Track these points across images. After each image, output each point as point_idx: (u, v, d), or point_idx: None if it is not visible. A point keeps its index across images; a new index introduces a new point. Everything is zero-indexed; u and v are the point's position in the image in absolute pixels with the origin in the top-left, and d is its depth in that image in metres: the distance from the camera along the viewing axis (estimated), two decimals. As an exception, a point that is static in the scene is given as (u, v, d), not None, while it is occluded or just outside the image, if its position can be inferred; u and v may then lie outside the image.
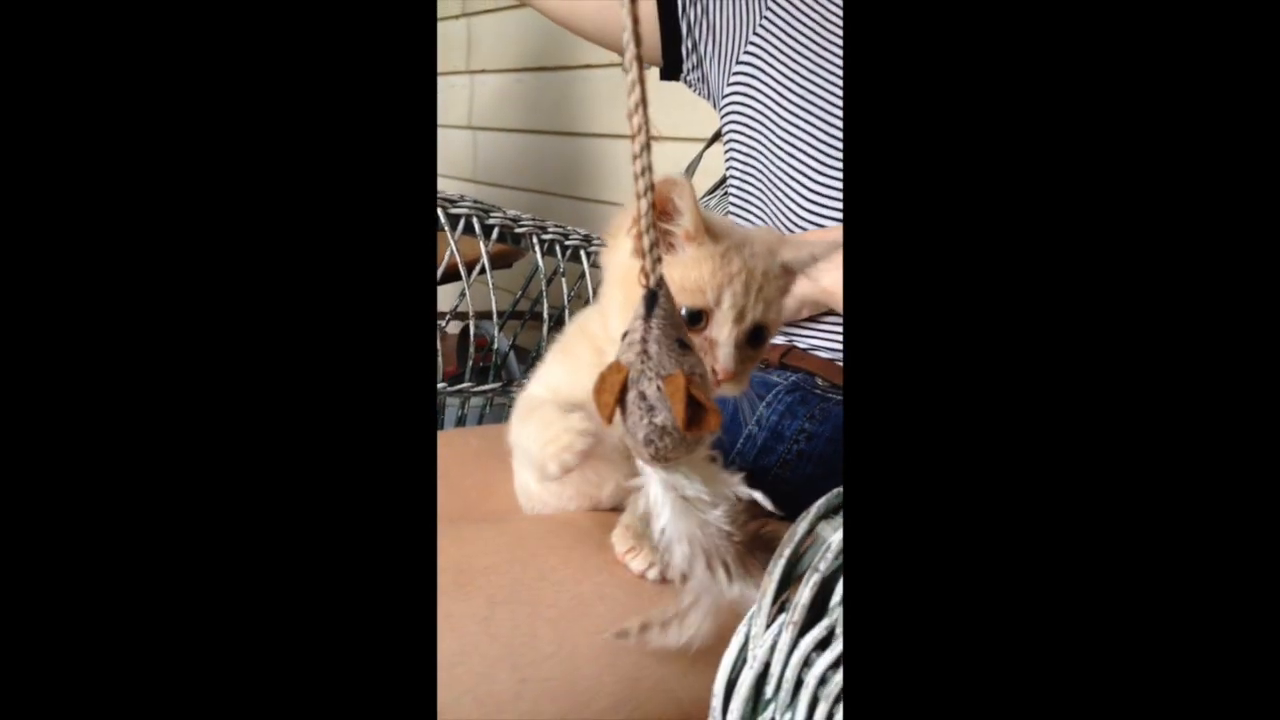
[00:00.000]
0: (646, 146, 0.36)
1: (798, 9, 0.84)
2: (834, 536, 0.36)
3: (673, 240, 0.50)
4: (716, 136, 1.12)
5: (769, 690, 0.35)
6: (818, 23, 0.83)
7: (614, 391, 0.37)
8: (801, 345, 0.79)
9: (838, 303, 0.74)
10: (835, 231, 0.77)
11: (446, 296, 1.13)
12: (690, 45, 0.92)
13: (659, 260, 0.37)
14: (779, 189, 0.82)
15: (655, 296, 0.37)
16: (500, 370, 1.09)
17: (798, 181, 0.80)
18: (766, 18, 0.86)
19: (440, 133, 2.27)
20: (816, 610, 0.35)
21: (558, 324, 1.05)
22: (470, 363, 1.02)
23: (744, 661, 0.36)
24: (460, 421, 1.03)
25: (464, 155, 2.39)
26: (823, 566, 0.35)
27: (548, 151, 2.01)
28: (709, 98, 0.95)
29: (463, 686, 0.45)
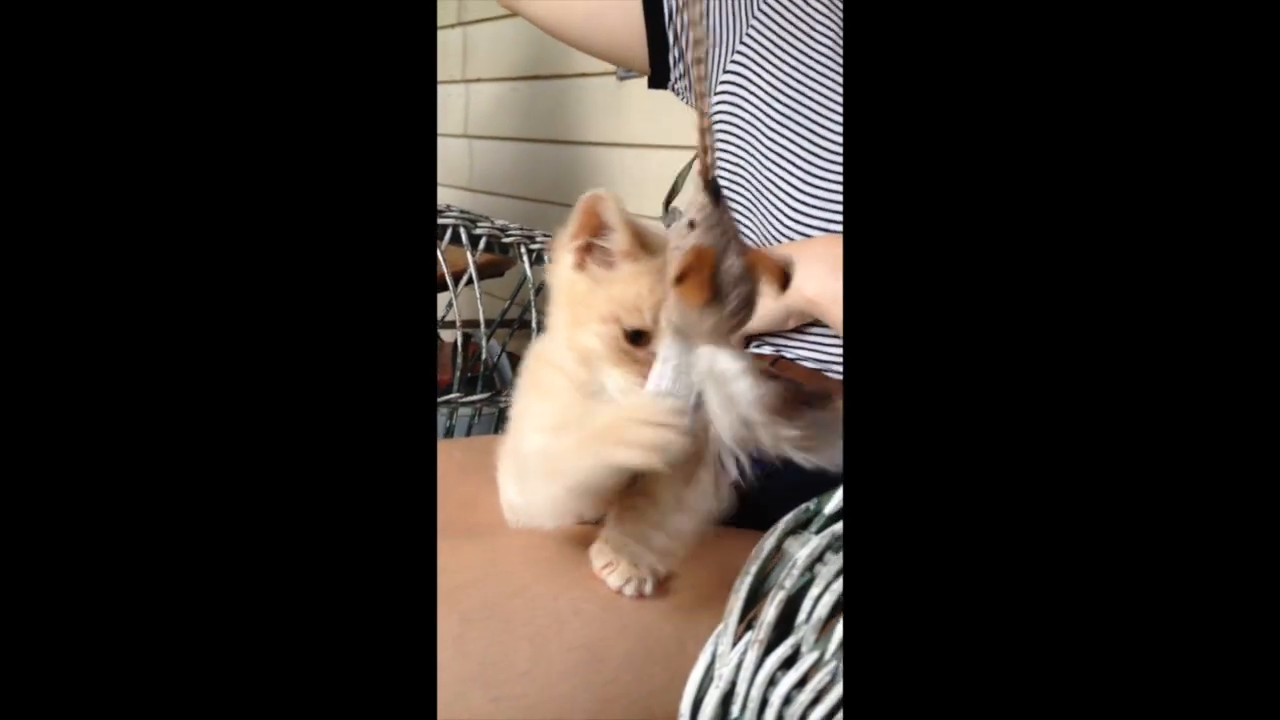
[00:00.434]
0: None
1: (783, 20, 0.84)
2: (800, 552, 0.35)
3: (609, 259, 0.50)
4: (706, 145, 1.12)
5: (735, 709, 0.34)
6: (803, 33, 0.83)
7: (707, 270, 0.38)
8: (789, 355, 0.79)
9: (822, 312, 0.74)
10: (820, 241, 0.77)
11: (438, 307, 1.13)
12: (678, 54, 0.92)
13: (711, 146, 0.41)
14: (765, 200, 0.82)
15: (716, 183, 0.40)
16: (491, 378, 1.08)
17: (784, 192, 0.80)
18: (753, 27, 0.86)
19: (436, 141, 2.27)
20: (782, 628, 0.34)
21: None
22: (459, 372, 1.01)
23: (710, 680, 0.35)
24: (449, 432, 1.03)
25: (460, 163, 2.39)
26: (788, 584, 0.34)
27: (543, 160, 2.01)
28: (696, 105, 0.95)
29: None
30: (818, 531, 0.35)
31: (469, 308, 1.02)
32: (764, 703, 0.34)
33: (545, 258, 1.03)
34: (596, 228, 0.50)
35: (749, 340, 0.82)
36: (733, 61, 0.87)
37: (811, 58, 0.81)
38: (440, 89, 2.39)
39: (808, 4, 0.82)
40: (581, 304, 0.51)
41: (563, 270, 0.52)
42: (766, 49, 0.84)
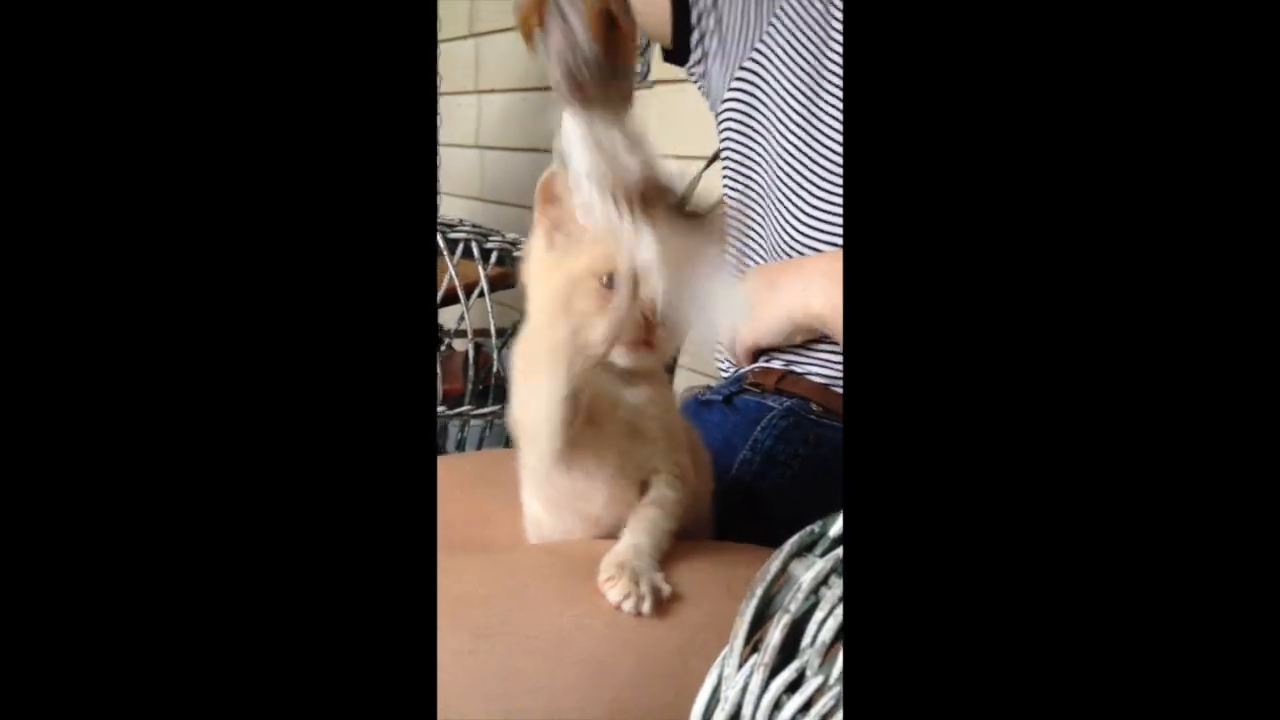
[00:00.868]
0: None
1: (802, 21, 0.82)
2: (805, 576, 0.35)
3: (569, 229, 0.53)
4: (716, 155, 1.12)
5: (740, 732, 0.35)
6: (821, 38, 0.81)
7: (535, 8, 0.37)
8: (797, 370, 0.79)
9: (829, 328, 0.74)
10: (827, 257, 0.77)
11: (451, 318, 1.14)
12: (699, 37, 0.89)
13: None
14: (778, 209, 0.81)
15: None
16: (503, 389, 1.09)
17: (797, 202, 0.79)
18: (772, 25, 0.84)
19: (447, 152, 2.29)
20: (787, 652, 0.35)
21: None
22: (470, 384, 1.02)
23: (716, 702, 0.36)
24: (460, 445, 1.03)
25: (471, 174, 2.41)
26: (793, 607, 0.35)
27: (554, 170, 2.02)
28: (708, 96, 0.93)
29: (445, 721, 0.45)
30: (822, 554, 0.36)
31: (480, 319, 1.03)
32: (769, 725, 0.34)
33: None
34: (552, 199, 0.54)
35: (758, 355, 0.82)
36: (749, 59, 0.85)
37: (829, 64, 0.80)
38: (451, 99, 2.41)
39: (829, 7, 0.81)
40: (558, 274, 0.54)
41: (535, 255, 0.56)
42: (784, 51, 0.83)
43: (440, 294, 0.99)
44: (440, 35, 2.16)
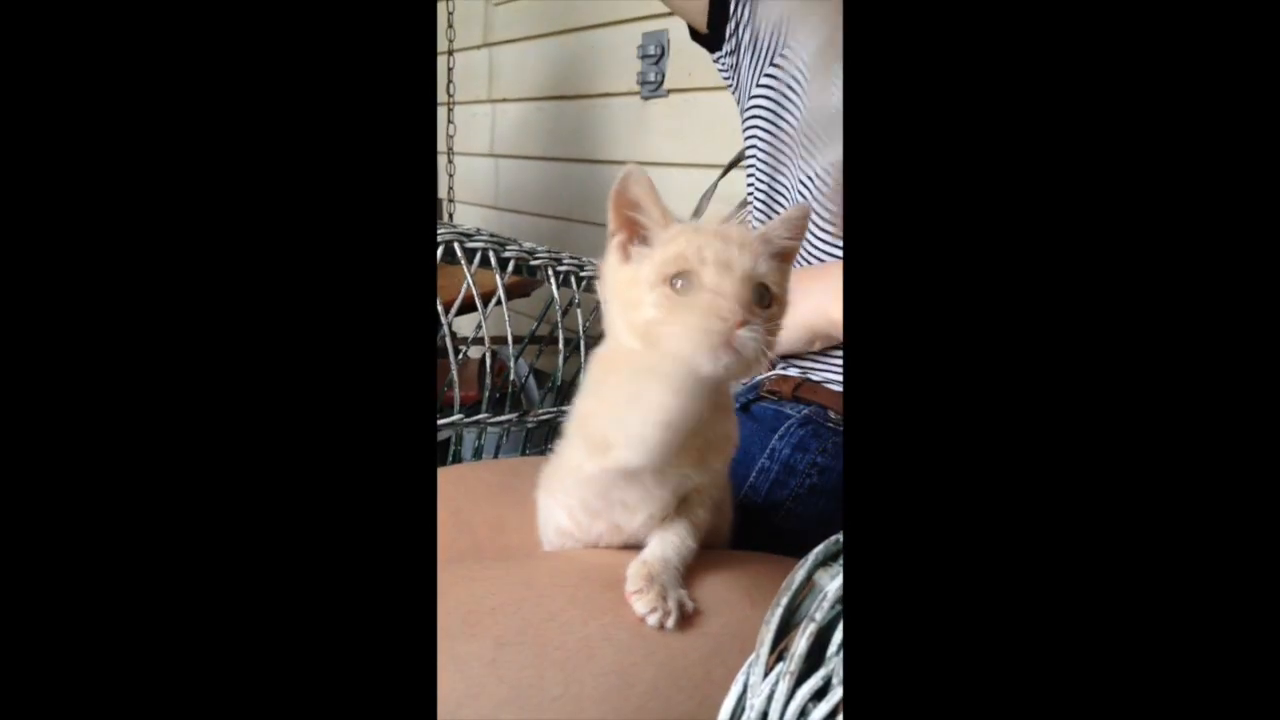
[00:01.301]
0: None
1: (834, 20, 0.82)
2: (831, 585, 0.36)
3: (645, 233, 0.51)
4: (733, 163, 1.12)
5: (767, 740, 0.35)
6: None
7: None
8: (815, 378, 0.79)
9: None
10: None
11: (468, 326, 1.15)
12: (734, 26, 0.89)
13: None
14: (811, 216, 0.81)
15: None
16: (519, 397, 1.10)
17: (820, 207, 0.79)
18: (805, 23, 0.83)
19: (463, 160, 2.30)
20: (813, 660, 0.35)
21: (574, 351, 1.06)
22: (488, 392, 1.02)
23: (742, 710, 0.36)
24: (477, 452, 1.04)
25: (486, 182, 2.42)
26: (819, 616, 0.35)
27: (568, 178, 2.03)
28: (735, 90, 0.92)
29: (469, 729, 0.46)
30: (848, 564, 0.36)
31: (497, 327, 1.03)
32: (795, 733, 0.34)
33: (572, 279, 1.04)
34: (629, 205, 0.51)
35: (775, 361, 0.82)
36: (781, 55, 0.85)
37: None
38: (467, 109, 2.42)
39: None
40: (633, 286, 0.51)
41: (610, 270, 0.53)
42: (816, 49, 0.82)
43: (458, 302, 0.99)
44: (455, 45, 2.18)
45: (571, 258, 1.05)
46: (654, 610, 0.49)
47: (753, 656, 0.36)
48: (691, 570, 0.54)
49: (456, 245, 0.97)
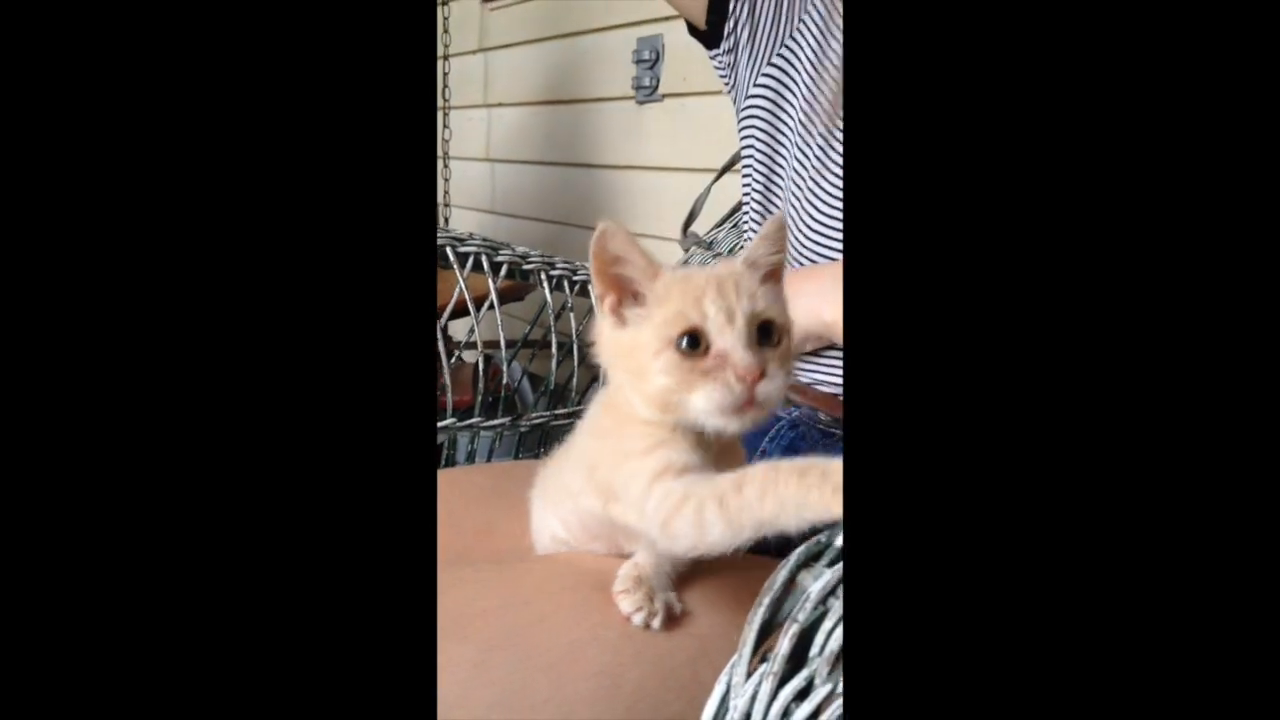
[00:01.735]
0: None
1: (833, 22, 0.81)
2: (813, 585, 0.36)
3: (634, 288, 0.49)
4: (726, 168, 1.12)
5: (749, 741, 0.35)
6: None
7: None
8: (804, 380, 0.79)
9: (838, 335, 0.74)
10: (839, 265, 0.77)
11: (461, 331, 1.15)
12: (733, 25, 0.88)
13: None
14: (794, 212, 0.81)
15: None
16: (513, 401, 1.10)
17: (811, 208, 0.79)
18: (803, 22, 0.83)
19: (458, 165, 2.30)
20: (796, 660, 0.35)
21: (567, 355, 1.06)
22: (481, 396, 1.03)
23: (726, 711, 0.36)
24: (470, 456, 1.04)
25: (482, 187, 2.42)
26: (801, 617, 0.35)
27: (563, 183, 2.04)
28: (731, 89, 0.91)
29: (458, 732, 0.46)
30: (830, 564, 0.36)
31: (490, 332, 1.04)
32: (778, 734, 0.34)
33: (565, 284, 1.05)
34: (611, 262, 0.49)
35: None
36: (779, 55, 0.85)
37: None
38: (463, 114, 2.43)
39: None
40: (635, 353, 0.49)
41: (606, 337, 0.51)
42: (814, 50, 0.82)
43: (451, 307, 0.99)
44: (451, 50, 2.18)
45: (565, 262, 1.05)
46: (639, 609, 0.49)
47: (735, 657, 0.36)
48: (680, 572, 0.54)
49: (449, 250, 0.97)
